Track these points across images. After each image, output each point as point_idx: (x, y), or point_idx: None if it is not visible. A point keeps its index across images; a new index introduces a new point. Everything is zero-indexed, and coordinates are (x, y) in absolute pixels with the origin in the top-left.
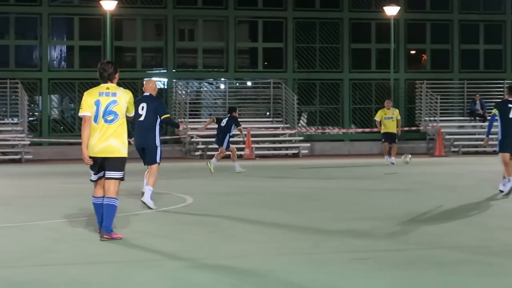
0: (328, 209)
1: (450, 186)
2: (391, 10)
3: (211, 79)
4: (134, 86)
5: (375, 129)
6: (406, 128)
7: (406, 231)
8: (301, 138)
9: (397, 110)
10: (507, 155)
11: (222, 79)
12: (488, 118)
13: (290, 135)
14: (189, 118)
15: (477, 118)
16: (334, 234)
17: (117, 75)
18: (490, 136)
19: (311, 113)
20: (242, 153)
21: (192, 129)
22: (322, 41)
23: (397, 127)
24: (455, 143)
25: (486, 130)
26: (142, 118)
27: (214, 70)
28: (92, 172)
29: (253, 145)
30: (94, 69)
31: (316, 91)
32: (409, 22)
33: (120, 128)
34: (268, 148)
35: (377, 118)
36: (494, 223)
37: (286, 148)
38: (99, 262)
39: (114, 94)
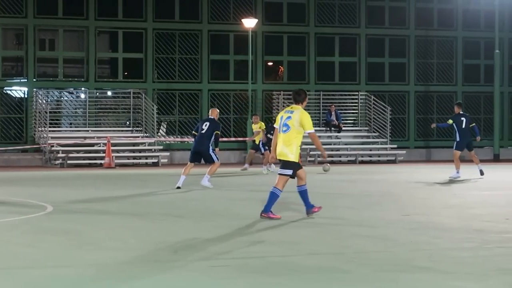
0: (187, 217)
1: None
2: (249, 23)
3: (72, 89)
4: None
5: (232, 139)
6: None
7: (263, 238)
8: (161, 147)
9: (263, 123)
10: (459, 152)
11: (83, 88)
12: (344, 128)
13: (150, 144)
14: (50, 127)
15: (333, 128)
16: (193, 241)
17: None
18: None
19: (170, 122)
20: (102, 161)
21: (52, 138)
22: (182, 52)
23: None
24: (311, 153)
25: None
26: (203, 132)
27: (74, 79)
28: None
29: (113, 154)
30: None
31: (175, 101)
32: (267, 34)
33: None
34: (128, 157)
35: (255, 129)
36: (348, 231)
37: (146, 157)
38: None
39: None
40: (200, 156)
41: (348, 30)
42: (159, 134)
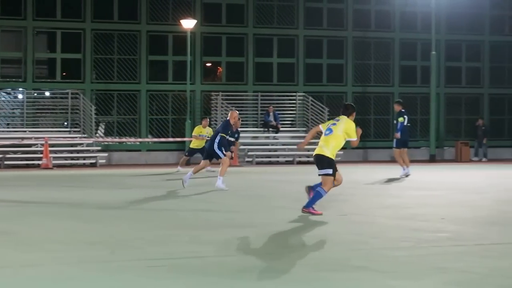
0: (125, 218)
1: (247, 194)
2: (187, 23)
3: (9, 89)
4: None
5: (170, 139)
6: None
7: (202, 238)
8: (99, 148)
9: (211, 129)
10: (400, 150)
11: (20, 89)
12: (281, 129)
13: (88, 145)
14: None
15: (271, 129)
16: (131, 242)
17: None
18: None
19: (109, 123)
20: (40, 162)
21: None
22: (120, 52)
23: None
24: (249, 153)
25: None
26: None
27: (12, 80)
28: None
29: (50, 155)
30: None
31: (114, 101)
32: (205, 35)
33: None
34: (66, 158)
35: (194, 133)
36: (285, 231)
37: (84, 158)
38: None
39: None
40: (211, 155)
41: (286, 32)
42: (97, 134)
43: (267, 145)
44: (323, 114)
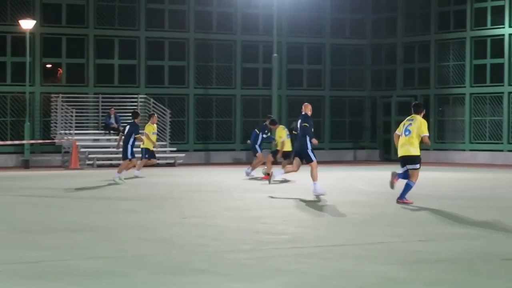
0: None
1: (88, 197)
2: (26, 24)
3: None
4: None
5: (8, 142)
6: (41, 141)
7: (40, 243)
8: None
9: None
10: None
11: None
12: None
13: None
14: None
15: (112, 131)
16: None
17: None
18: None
19: None
20: None
21: None
22: None
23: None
24: (90, 156)
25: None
26: (298, 131)
27: None
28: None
29: None
30: None
31: None
32: (45, 36)
33: None
34: None
35: (148, 131)
36: (127, 235)
37: None
38: None
39: None
40: (301, 156)
41: (128, 33)
42: None
43: (108, 147)
44: (165, 117)
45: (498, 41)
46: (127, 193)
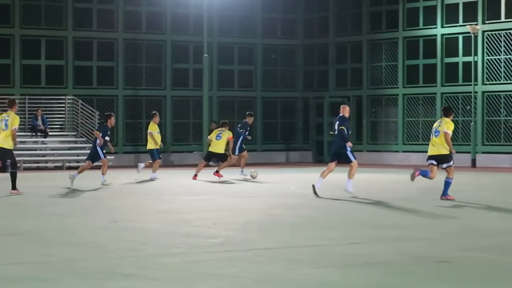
0: None
1: (15, 201)
2: None
3: None
4: None
5: None
6: None
7: None
8: None
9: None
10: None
11: None
12: (50, 133)
13: None
14: None
15: (39, 133)
16: None
17: None
18: None
19: None
20: None
21: None
22: None
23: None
24: (18, 159)
25: None
26: (336, 132)
27: None
28: None
29: None
30: None
31: None
32: None
33: None
34: None
35: (153, 131)
36: (54, 239)
37: None
38: None
39: None
40: (339, 157)
41: (54, 33)
42: None
43: (35, 150)
44: (93, 118)
45: (430, 42)
46: (55, 197)
